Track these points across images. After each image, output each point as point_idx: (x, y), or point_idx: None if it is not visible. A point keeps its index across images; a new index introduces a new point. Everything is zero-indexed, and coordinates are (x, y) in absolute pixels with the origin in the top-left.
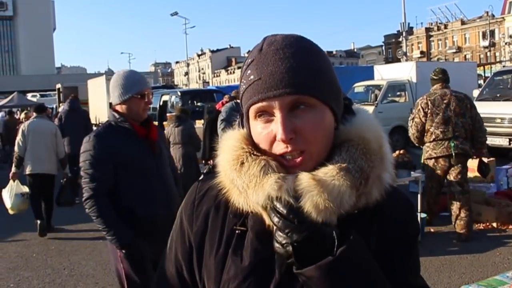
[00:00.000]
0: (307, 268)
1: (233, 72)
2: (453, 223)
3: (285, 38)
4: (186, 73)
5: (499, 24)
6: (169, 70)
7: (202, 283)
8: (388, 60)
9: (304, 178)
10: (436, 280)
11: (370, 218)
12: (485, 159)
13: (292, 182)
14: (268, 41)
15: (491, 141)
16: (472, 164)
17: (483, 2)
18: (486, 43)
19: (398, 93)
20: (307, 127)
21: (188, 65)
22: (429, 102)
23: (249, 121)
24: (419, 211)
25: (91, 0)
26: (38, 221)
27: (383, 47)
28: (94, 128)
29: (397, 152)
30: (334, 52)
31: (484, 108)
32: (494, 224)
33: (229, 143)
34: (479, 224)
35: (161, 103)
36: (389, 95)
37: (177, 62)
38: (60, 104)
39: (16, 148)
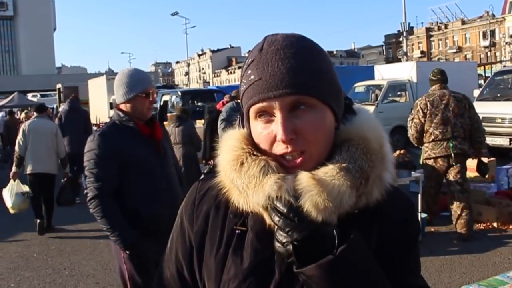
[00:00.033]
0: (307, 267)
1: (234, 72)
2: (453, 223)
3: (285, 37)
4: (187, 73)
5: (499, 24)
6: (170, 70)
7: (203, 283)
8: (388, 60)
9: (304, 178)
10: (436, 280)
11: (371, 217)
12: (484, 159)
13: (291, 181)
14: (269, 41)
15: (491, 141)
16: (472, 164)
17: (483, 2)
18: (487, 43)
19: (399, 93)
20: (308, 127)
21: (188, 65)
22: (428, 103)
23: (250, 121)
24: (419, 211)
25: (92, 0)
26: (38, 220)
27: (384, 47)
28: (94, 128)
29: (397, 152)
30: (335, 52)
31: (484, 108)
32: (495, 224)
33: (229, 143)
34: (479, 224)
35: (161, 103)
36: (390, 95)
37: (177, 62)
38: (61, 104)
39: (16, 148)
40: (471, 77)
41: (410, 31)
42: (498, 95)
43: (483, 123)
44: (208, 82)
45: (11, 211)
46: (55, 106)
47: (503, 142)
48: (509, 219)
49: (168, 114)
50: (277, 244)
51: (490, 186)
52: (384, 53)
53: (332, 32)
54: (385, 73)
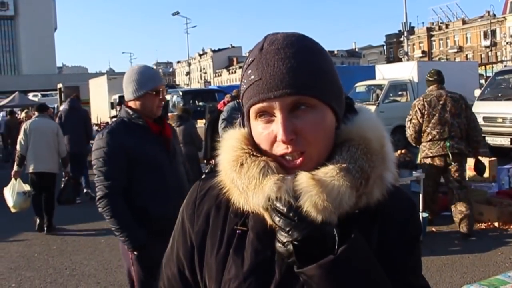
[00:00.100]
0: (308, 267)
1: (235, 72)
2: (453, 217)
3: (286, 37)
4: (188, 73)
5: (500, 24)
6: (171, 70)
7: (204, 282)
8: (389, 60)
9: (303, 178)
10: (438, 279)
11: (372, 217)
12: (482, 158)
13: (291, 182)
14: (269, 40)
15: (492, 140)
16: (471, 163)
17: (484, 1)
18: (488, 42)
19: (400, 92)
20: (308, 128)
21: (189, 64)
22: (425, 103)
23: (250, 121)
24: (420, 210)
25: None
26: (37, 219)
27: (385, 47)
28: (95, 127)
29: (398, 151)
30: (336, 52)
31: (485, 108)
32: (496, 224)
33: (229, 143)
34: (480, 224)
35: None
36: (391, 94)
37: (178, 62)
38: (62, 104)
39: (18, 147)
40: (472, 77)
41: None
42: (499, 95)
43: (484, 123)
44: (209, 82)
45: (13, 210)
46: (56, 106)
47: (504, 142)
48: (510, 218)
49: (169, 114)
50: (278, 244)
51: (491, 186)
52: (385, 53)
53: (333, 32)
54: (386, 73)
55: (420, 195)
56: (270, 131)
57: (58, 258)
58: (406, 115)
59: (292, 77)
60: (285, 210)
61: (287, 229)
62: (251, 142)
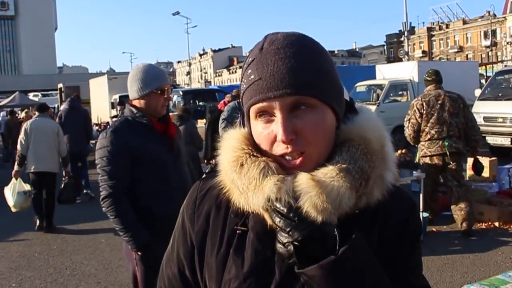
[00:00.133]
0: (309, 267)
1: (235, 72)
2: (453, 214)
3: (286, 37)
4: (188, 73)
5: (500, 24)
6: (171, 70)
7: (204, 282)
8: (390, 60)
9: (303, 179)
10: (438, 279)
11: (372, 217)
12: (483, 158)
13: (291, 183)
14: (269, 40)
15: (493, 140)
16: (470, 163)
17: (484, 1)
18: (488, 42)
19: (400, 92)
20: (308, 128)
21: (190, 64)
22: (424, 103)
23: (250, 120)
24: (421, 210)
25: (93, 0)
26: (38, 219)
27: (385, 47)
28: (95, 127)
29: (399, 151)
30: (336, 52)
31: (486, 108)
32: (496, 224)
33: (230, 143)
34: (481, 224)
35: None
36: (391, 94)
37: (179, 62)
38: (62, 104)
39: (18, 147)
40: (473, 76)
41: (412, 30)
42: (500, 94)
43: (484, 123)
44: (210, 82)
45: (13, 209)
46: (56, 105)
47: (505, 141)
48: (511, 218)
49: (170, 114)
50: (279, 245)
51: (492, 186)
52: (386, 53)
53: (333, 32)
54: (386, 72)
55: (421, 195)
56: (270, 131)
57: (59, 257)
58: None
59: (292, 77)
60: (285, 210)
61: (288, 229)
62: (251, 142)
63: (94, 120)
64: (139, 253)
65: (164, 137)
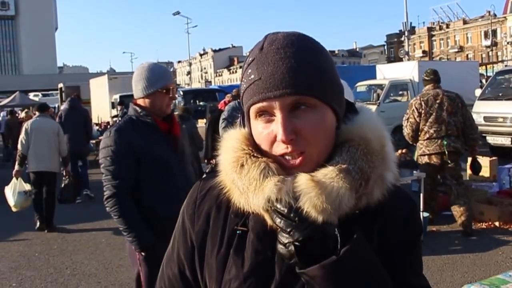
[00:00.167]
0: (310, 267)
1: (235, 72)
2: (452, 210)
3: (286, 36)
4: (189, 73)
5: (501, 24)
6: (172, 70)
7: (204, 282)
8: (390, 60)
9: (303, 180)
10: (438, 279)
11: (372, 217)
12: (483, 158)
13: (291, 183)
14: (269, 40)
15: (493, 140)
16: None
17: (485, 1)
18: (488, 42)
19: (400, 92)
20: (308, 128)
21: (190, 64)
22: (422, 103)
23: (250, 120)
24: (421, 210)
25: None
26: (38, 219)
27: (385, 47)
28: (95, 127)
29: (399, 151)
30: (336, 52)
31: (486, 108)
32: (497, 223)
33: (230, 143)
34: (481, 223)
35: None
36: (391, 94)
37: (179, 62)
38: (62, 104)
39: (19, 146)
40: (473, 76)
41: (412, 30)
42: (500, 94)
43: (485, 123)
44: (210, 82)
45: (14, 209)
46: (56, 105)
47: (505, 141)
48: (511, 218)
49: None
50: (280, 246)
51: (492, 186)
52: (386, 53)
53: (334, 32)
54: (386, 72)
55: (421, 195)
56: (270, 131)
57: (59, 257)
58: None
59: (292, 77)
60: (285, 211)
61: (288, 230)
62: (251, 142)
63: (94, 120)
64: (143, 253)
65: (168, 136)
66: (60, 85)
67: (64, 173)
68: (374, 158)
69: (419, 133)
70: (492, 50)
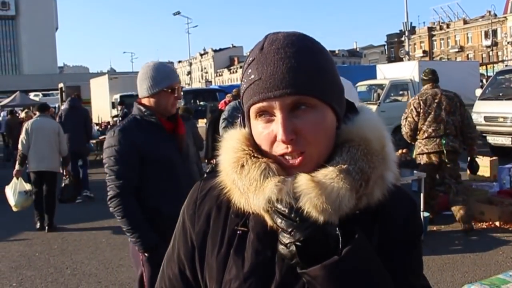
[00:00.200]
0: (312, 267)
1: (236, 72)
2: (450, 206)
3: (286, 36)
4: (189, 73)
5: (501, 24)
6: None
7: (204, 282)
8: (390, 60)
9: (303, 180)
10: (439, 279)
11: (373, 217)
12: (484, 158)
13: (291, 184)
14: (270, 40)
15: (493, 140)
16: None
17: (485, 1)
18: (489, 42)
19: (401, 92)
20: (308, 128)
21: (190, 64)
22: (421, 102)
23: (250, 120)
24: (421, 210)
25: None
26: (38, 219)
27: (386, 47)
28: (96, 127)
29: (399, 151)
30: (337, 52)
31: (486, 108)
32: (497, 223)
33: (230, 143)
34: (482, 223)
35: None
36: (392, 94)
37: (179, 62)
38: (63, 103)
39: (19, 146)
40: (473, 76)
41: (412, 30)
42: (500, 94)
43: (485, 123)
44: (210, 82)
45: (14, 209)
46: (57, 105)
47: (505, 141)
48: (511, 218)
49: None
50: (281, 246)
51: (493, 185)
52: (386, 53)
53: (334, 32)
54: (387, 72)
55: (421, 194)
56: (270, 131)
57: (59, 257)
58: None
59: (292, 77)
60: (286, 211)
61: (289, 230)
62: (251, 142)
63: (95, 119)
64: (146, 254)
65: (173, 136)
66: (61, 85)
67: (64, 173)
68: (375, 158)
69: (418, 132)
70: (492, 50)
